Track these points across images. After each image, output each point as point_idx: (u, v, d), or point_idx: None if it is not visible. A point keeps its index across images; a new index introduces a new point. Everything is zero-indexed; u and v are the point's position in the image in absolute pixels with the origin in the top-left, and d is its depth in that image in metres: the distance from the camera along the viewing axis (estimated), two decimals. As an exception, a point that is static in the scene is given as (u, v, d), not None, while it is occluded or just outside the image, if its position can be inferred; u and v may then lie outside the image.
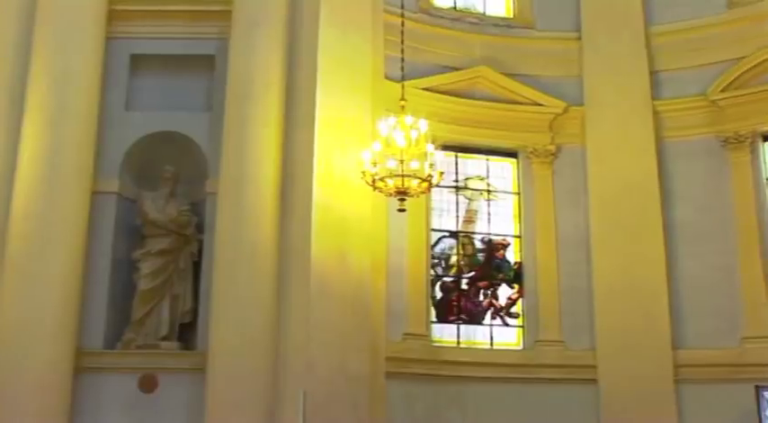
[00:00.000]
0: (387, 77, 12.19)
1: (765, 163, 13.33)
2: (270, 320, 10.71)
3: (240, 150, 11.16)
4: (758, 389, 11.93)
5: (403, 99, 9.99)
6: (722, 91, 13.47)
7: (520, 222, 13.98)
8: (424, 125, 9.50)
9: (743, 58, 13.40)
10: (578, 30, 14.32)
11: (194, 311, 11.43)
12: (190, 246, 11.64)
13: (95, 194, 11.30)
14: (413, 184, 9.43)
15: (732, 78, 13.42)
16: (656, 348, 12.78)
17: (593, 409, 12.82)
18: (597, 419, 12.76)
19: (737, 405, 12.10)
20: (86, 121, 11.25)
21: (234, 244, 10.88)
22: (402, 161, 9.35)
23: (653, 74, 13.92)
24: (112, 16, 11.81)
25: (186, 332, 11.43)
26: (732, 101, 13.42)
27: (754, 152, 13.31)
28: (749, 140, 13.27)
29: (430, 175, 9.48)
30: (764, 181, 13.26)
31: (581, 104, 14.03)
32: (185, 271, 11.58)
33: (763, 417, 11.80)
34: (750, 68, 13.32)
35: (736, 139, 13.30)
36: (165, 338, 11.26)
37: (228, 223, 11.00)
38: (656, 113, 13.74)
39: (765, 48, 13.19)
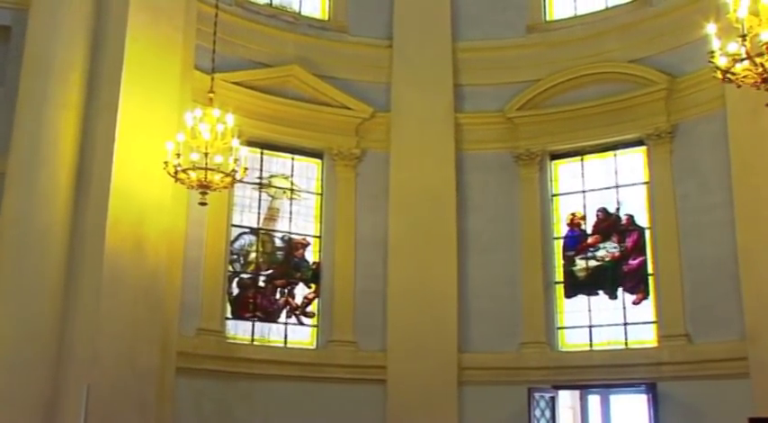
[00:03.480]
0: (197, 68, 11.99)
1: (552, 180, 14.22)
2: (56, 309, 10.31)
3: (34, 130, 10.64)
4: (530, 390, 12.71)
5: (212, 91, 9.91)
6: (518, 109, 14.24)
7: (321, 223, 14.13)
8: (230, 119, 9.45)
9: (538, 80, 14.25)
10: (390, 38, 14.68)
11: (-29, 298, 10.70)
12: (-29, 228, 10.91)
13: None
14: (216, 178, 9.37)
15: (528, 98, 14.22)
16: (443, 351, 13.31)
17: (382, 408, 13.16)
18: (384, 419, 13.11)
19: (512, 405, 12.85)
20: None
21: (22, 228, 10.40)
22: (206, 154, 9.28)
23: (457, 87, 14.49)
24: None
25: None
26: (526, 120, 14.23)
27: (542, 169, 14.16)
28: (539, 158, 14.11)
29: (234, 170, 9.46)
30: (550, 197, 14.15)
31: (388, 111, 14.39)
32: (-36, 254, 10.83)
33: (532, 416, 12.59)
34: (544, 90, 14.18)
35: (527, 155, 14.10)
36: (-65, 326, 10.46)
37: (17, 205, 10.47)
38: (457, 125, 14.31)
39: (558, 73, 14.10)
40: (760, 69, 6.25)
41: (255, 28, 13.85)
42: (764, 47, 6.16)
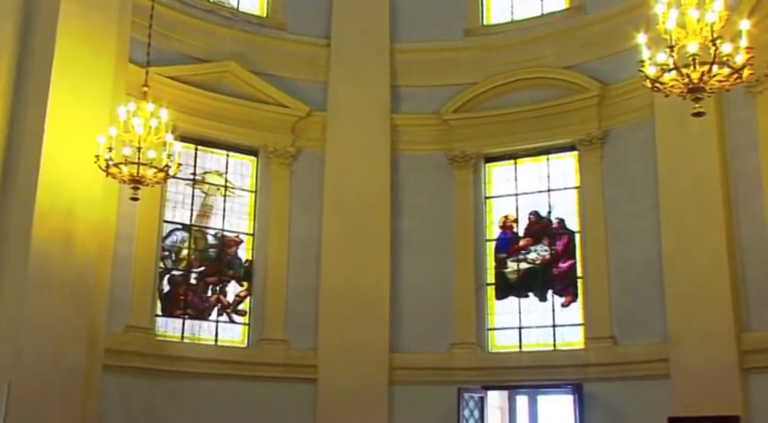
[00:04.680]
0: (131, 61, 11.82)
1: (485, 183, 14.38)
2: (-22, 305, 9.99)
3: (-42, 119, 10.32)
4: (460, 391, 12.83)
5: (146, 85, 9.76)
6: (454, 112, 14.36)
7: (254, 221, 14.04)
8: (164, 114, 9.35)
9: (474, 83, 14.39)
10: (328, 37, 14.64)
11: None
12: None
13: None
14: (148, 173, 9.26)
15: (463, 101, 14.35)
16: (375, 351, 13.33)
17: (312, 407, 13.12)
18: (314, 418, 13.09)
19: (442, 405, 12.94)
20: None
21: (-57, 221, 10.06)
22: (139, 149, 9.16)
23: (394, 88, 14.54)
24: None
25: None
26: (462, 122, 14.35)
27: (476, 172, 14.30)
28: (473, 160, 14.24)
29: (167, 166, 9.37)
30: (483, 199, 14.30)
31: (324, 110, 14.35)
32: None
33: (461, 416, 12.70)
34: (480, 93, 14.32)
35: (462, 158, 14.23)
36: None
37: (-62, 198, 10.13)
38: (393, 126, 14.36)
39: (494, 76, 14.26)
40: (686, 80, 6.43)
41: (192, 22, 13.69)
42: (690, 58, 6.34)
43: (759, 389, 10.84)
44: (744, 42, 6.45)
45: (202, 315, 13.42)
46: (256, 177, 14.20)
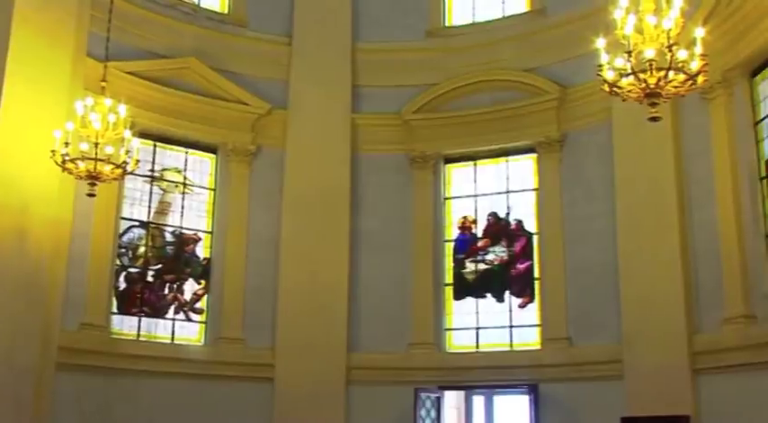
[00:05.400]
0: (89, 56, 11.68)
1: (445, 184, 14.45)
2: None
3: None
4: (417, 391, 12.87)
5: (104, 80, 9.69)
6: (414, 112, 14.41)
7: (212, 218, 13.95)
8: (123, 110, 9.27)
9: (435, 84, 14.45)
10: (289, 35, 14.62)
11: None
12: None
13: None
14: (106, 169, 9.19)
15: (424, 102, 14.41)
16: (333, 350, 13.34)
17: (269, 406, 13.09)
18: (271, 417, 13.05)
19: (399, 405, 12.96)
20: None
21: None
22: (96, 144, 9.08)
23: (355, 87, 14.56)
24: None
25: None
26: (422, 123, 14.41)
27: (436, 173, 14.37)
28: (433, 161, 14.30)
29: (125, 162, 9.30)
30: (442, 200, 14.37)
31: (285, 108, 14.32)
32: None
33: (418, 416, 12.75)
34: (441, 95, 14.39)
35: (422, 158, 14.28)
36: None
37: None
38: (354, 126, 14.37)
39: (455, 78, 14.34)
40: (643, 85, 6.53)
41: (152, 17, 13.56)
42: (647, 64, 6.44)
43: (709, 389, 11.03)
44: (699, 49, 6.57)
45: (159, 313, 13.30)
46: (215, 175, 14.13)
